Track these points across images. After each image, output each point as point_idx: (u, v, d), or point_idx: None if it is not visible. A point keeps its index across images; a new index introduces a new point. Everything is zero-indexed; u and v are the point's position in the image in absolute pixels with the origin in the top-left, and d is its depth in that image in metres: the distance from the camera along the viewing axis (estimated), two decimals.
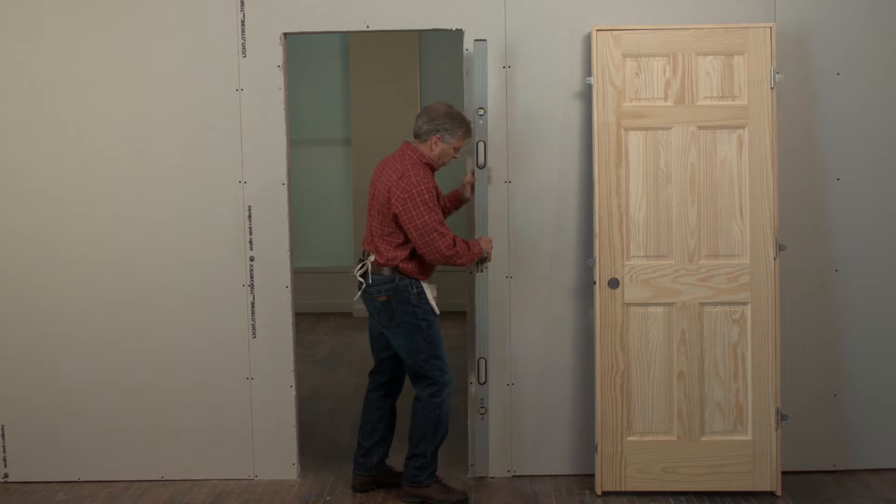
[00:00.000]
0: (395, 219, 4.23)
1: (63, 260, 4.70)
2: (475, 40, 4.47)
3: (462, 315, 5.02)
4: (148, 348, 4.72)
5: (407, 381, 4.61)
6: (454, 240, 4.25)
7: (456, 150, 4.35)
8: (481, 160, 4.50)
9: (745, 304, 4.45)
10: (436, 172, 4.38)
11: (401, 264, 4.28)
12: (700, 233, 4.45)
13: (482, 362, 4.59)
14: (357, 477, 4.60)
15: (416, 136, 4.33)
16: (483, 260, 4.51)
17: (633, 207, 4.45)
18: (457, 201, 4.62)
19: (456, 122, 4.30)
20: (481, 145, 4.47)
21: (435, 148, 4.30)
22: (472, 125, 4.39)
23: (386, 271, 4.31)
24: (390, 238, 4.29)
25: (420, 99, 8.68)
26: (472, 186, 4.54)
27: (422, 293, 4.34)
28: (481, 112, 4.48)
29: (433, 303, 4.38)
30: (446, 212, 4.57)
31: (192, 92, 4.63)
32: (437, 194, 4.29)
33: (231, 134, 4.63)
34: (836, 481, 4.63)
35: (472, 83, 4.50)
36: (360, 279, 4.38)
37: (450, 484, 4.58)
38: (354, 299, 4.48)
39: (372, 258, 4.34)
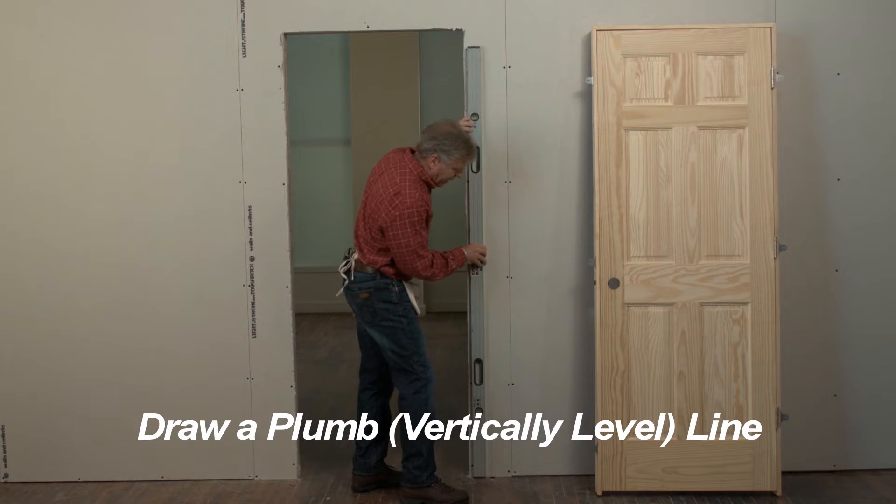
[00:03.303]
0: (382, 231, 4.24)
1: (63, 260, 4.70)
2: (468, 47, 4.48)
3: (463, 315, 5.02)
4: (148, 348, 4.72)
5: None
6: (432, 261, 4.27)
7: (456, 170, 4.31)
8: (474, 165, 4.51)
9: (745, 304, 4.44)
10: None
11: (382, 268, 4.31)
12: (700, 233, 4.45)
13: (477, 364, 4.60)
14: (357, 477, 4.60)
15: (419, 151, 4.32)
16: (474, 266, 4.53)
17: (633, 207, 4.45)
18: None
19: (455, 143, 4.25)
20: (474, 150, 4.48)
21: (433, 167, 4.28)
22: (474, 147, 4.33)
23: (368, 269, 4.32)
24: (373, 243, 4.30)
25: (420, 99, 8.67)
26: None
27: (403, 292, 4.35)
28: (475, 117, 4.49)
29: (415, 302, 4.39)
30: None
31: (192, 92, 4.63)
32: (428, 215, 4.28)
33: (231, 134, 4.63)
34: (836, 481, 4.63)
35: (469, 86, 4.51)
36: (344, 275, 4.39)
37: (450, 484, 4.58)
38: (337, 294, 4.47)
39: (356, 255, 4.35)
